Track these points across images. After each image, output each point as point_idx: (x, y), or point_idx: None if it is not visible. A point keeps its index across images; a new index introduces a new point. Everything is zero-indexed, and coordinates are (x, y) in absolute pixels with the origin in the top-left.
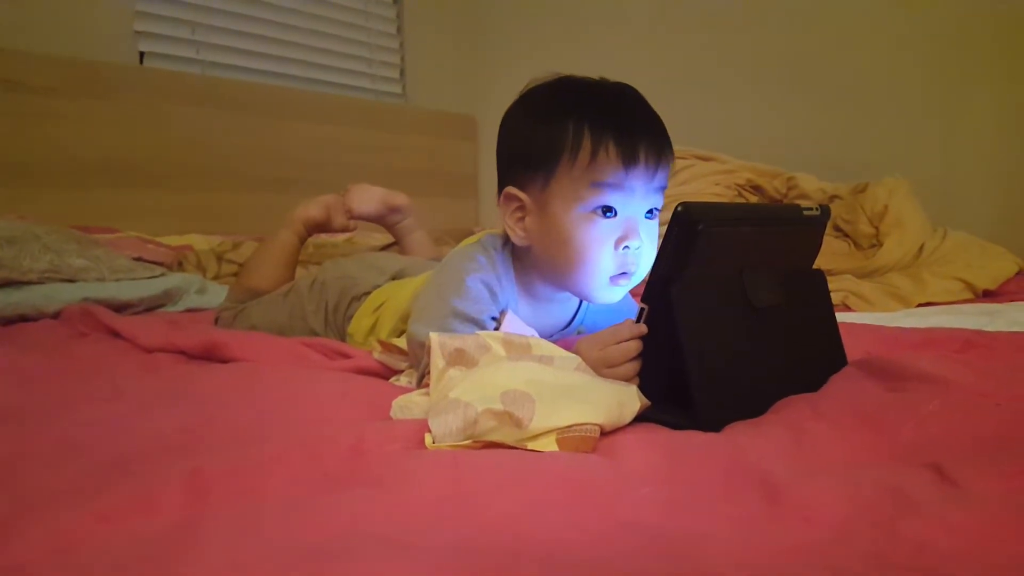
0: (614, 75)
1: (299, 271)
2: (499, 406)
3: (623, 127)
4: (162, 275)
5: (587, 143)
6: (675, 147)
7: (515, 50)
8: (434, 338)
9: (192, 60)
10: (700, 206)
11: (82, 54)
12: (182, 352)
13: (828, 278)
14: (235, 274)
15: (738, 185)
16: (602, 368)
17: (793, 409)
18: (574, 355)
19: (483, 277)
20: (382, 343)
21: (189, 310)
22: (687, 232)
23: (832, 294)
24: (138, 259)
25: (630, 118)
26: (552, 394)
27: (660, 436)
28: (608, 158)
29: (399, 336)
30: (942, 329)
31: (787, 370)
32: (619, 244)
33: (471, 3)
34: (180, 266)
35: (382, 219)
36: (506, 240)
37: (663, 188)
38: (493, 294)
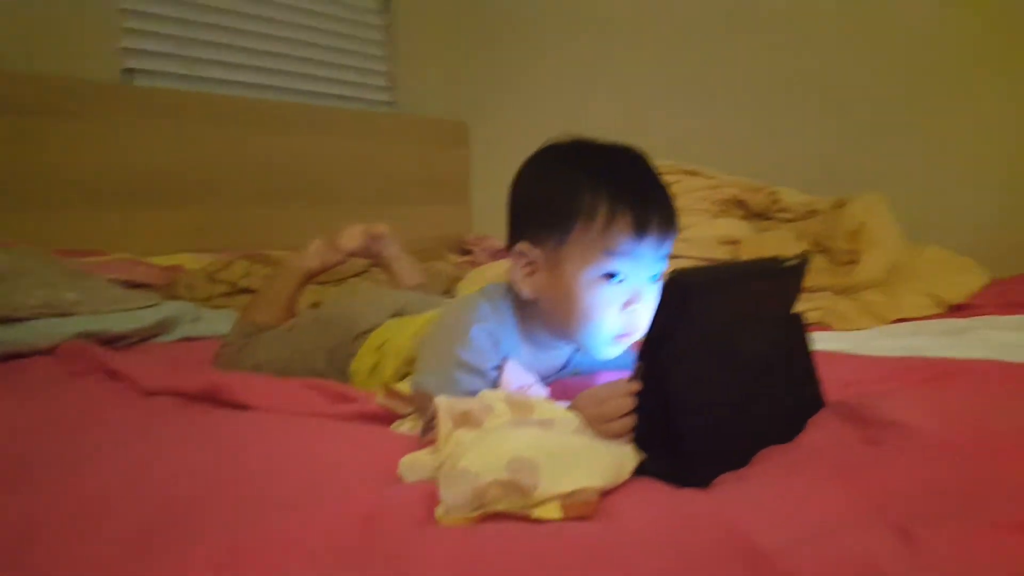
0: (603, 85)
1: (303, 303)
2: (505, 475)
3: (637, 199)
4: (156, 304)
5: (603, 211)
6: (662, 161)
7: (504, 56)
8: (441, 403)
9: (179, 75)
10: (690, 273)
11: (67, 72)
12: (182, 394)
13: (808, 295)
14: (227, 294)
15: (723, 200)
16: (599, 424)
17: (775, 463)
18: (573, 415)
19: (486, 327)
20: (386, 389)
21: (185, 339)
22: (678, 299)
23: (812, 312)
24: (128, 281)
25: (644, 190)
26: (555, 461)
27: (656, 497)
28: (622, 228)
29: (402, 379)
30: (910, 359)
31: (769, 417)
32: (625, 307)
33: (460, 10)
34: (171, 288)
35: (368, 251)
36: (508, 289)
37: (668, 255)
38: (496, 344)
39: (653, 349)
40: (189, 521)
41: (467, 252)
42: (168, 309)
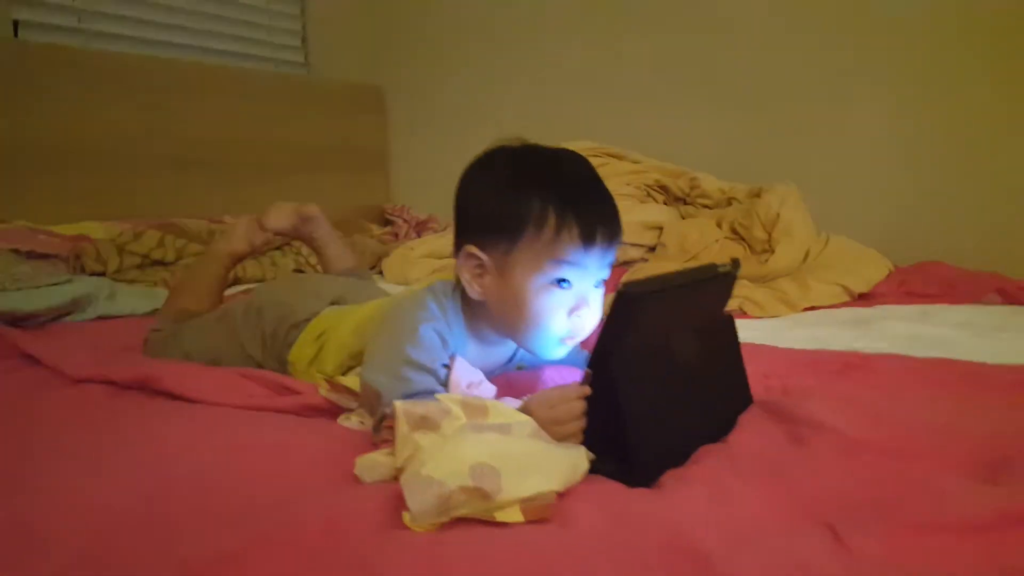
0: (524, 54)
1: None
2: (469, 482)
3: (584, 209)
4: (68, 281)
5: (552, 222)
6: (589, 144)
7: (421, 19)
8: (398, 406)
9: (74, 29)
10: (637, 285)
11: None
12: (112, 383)
13: None
14: (139, 266)
15: (647, 185)
16: (552, 426)
17: (713, 462)
18: (528, 419)
19: (435, 326)
20: (330, 382)
21: (100, 318)
22: (627, 310)
23: (731, 300)
24: (30, 252)
25: (591, 201)
26: (515, 466)
27: (607, 499)
28: (570, 238)
29: (344, 373)
30: (822, 352)
31: (703, 415)
32: (571, 312)
33: None
34: (78, 259)
35: (297, 231)
36: (455, 286)
37: (612, 263)
38: (444, 342)
39: (602, 358)
40: (136, 542)
41: (388, 222)
42: (82, 286)
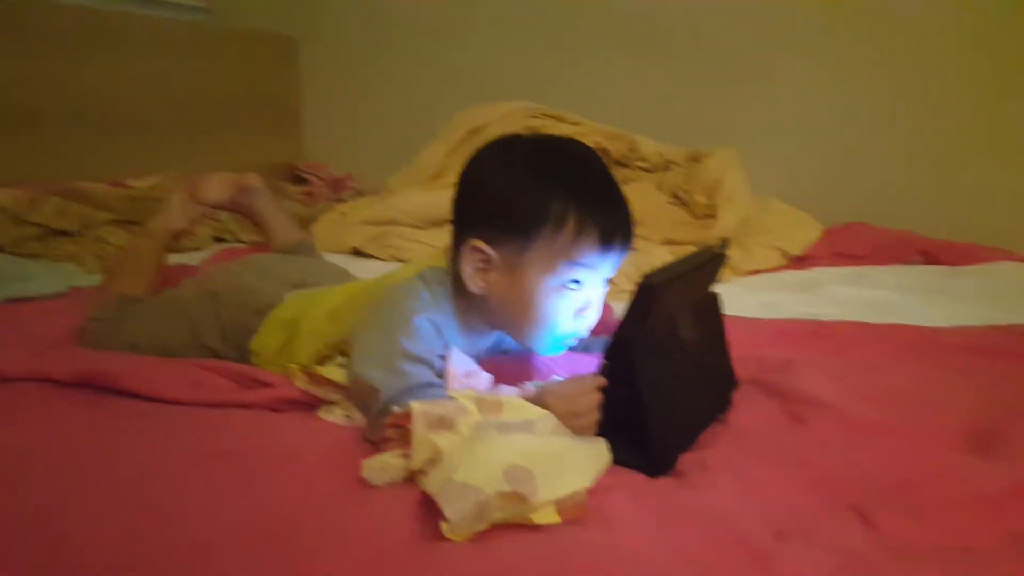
0: (454, 13)
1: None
2: (506, 487)
3: (604, 213)
4: None
5: (571, 224)
6: (527, 104)
7: None
8: (416, 407)
9: None
10: (655, 276)
11: None
12: (51, 381)
13: (673, 249)
14: (38, 238)
15: None
16: (570, 419)
17: (725, 446)
18: (546, 413)
19: (429, 316)
20: (308, 374)
21: (10, 300)
22: (647, 302)
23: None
24: None
25: (610, 204)
26: (546, 466)
27: (639, 493)
28: (589, 241)
29: (321, 363)
30: (785, 321)
31: (704, 394)
32: (578, 313)
33: None
34: None
35: (236, 204)
36: (445, 275)
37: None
38: (439, 332)
39: (622, 348)
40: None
41: (301, 180)
42: None
